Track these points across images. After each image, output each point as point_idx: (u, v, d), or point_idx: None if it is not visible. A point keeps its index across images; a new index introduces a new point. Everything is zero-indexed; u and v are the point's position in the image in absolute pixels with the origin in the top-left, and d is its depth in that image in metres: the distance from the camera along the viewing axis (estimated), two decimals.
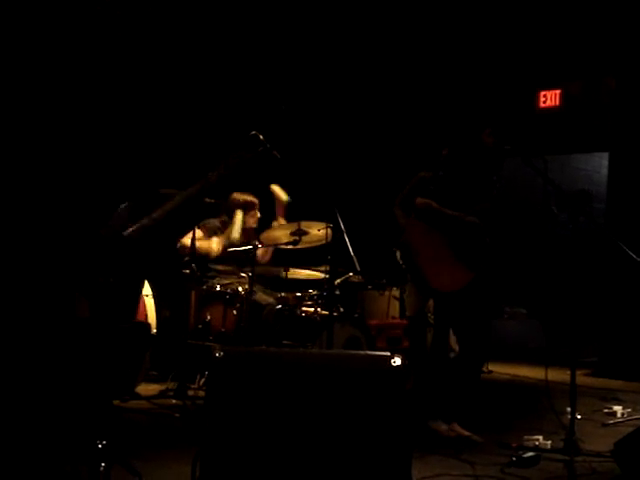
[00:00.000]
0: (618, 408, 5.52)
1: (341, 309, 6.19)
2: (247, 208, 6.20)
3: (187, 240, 5.74)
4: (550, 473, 3.95)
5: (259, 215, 6.29)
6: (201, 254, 5.83)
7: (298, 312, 6.01)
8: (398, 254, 4.78)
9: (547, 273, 9.93)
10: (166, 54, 7.09)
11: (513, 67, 9.33)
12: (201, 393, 5.37)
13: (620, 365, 7.70)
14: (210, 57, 7.64)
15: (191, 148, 7.31)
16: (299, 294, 6.15)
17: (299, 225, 5.81)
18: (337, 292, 6.11)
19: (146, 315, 5.53)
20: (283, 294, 6.05)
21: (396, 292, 7.46)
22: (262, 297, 5.92)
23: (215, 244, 6.01)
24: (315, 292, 6.14)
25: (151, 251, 4.10)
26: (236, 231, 6.03)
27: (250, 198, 6.24)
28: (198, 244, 5.68)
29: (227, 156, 4.48)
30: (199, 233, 5.82)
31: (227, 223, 6.15)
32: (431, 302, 4.97)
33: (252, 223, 6.26)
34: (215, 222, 6.17)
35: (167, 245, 6.05)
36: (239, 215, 6.09)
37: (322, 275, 5.98)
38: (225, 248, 6.01)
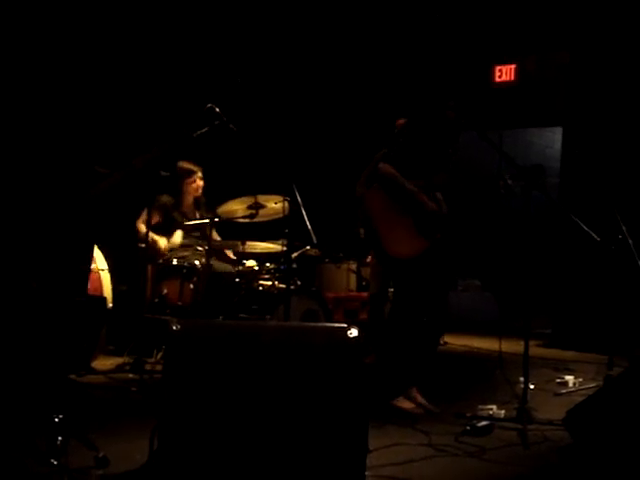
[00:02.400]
0: (570, 378, 5.63)
1: (298, 282, 6.21)
2: (188, 175, 6.24)
3: (142, 226, 5.82)
4: (503, 441, 4.02)
5: (202, 183, 6.30)
6: (151, 243, 5.87)
7: (255, 285, 6.02)
8: (362, 230, 4.80)
9: (501, 246, 10.05)
10: (117, 26, 6.99)
11: (469, 42, 9.37)
12: (158, 367, 5.37)
13: (573, 336, 7.85)
14: (164, 29, 7.55)
15: (144, 122, 7.25)
16: (257, 267, 6.15)
17: (256, 198, 5.80)
18: (294, 265, 6.12)
19: (102, 289, 5.49)
20: (240, 267, 6.05)
21: (353, 265, 7.51)
22: (220, 266, 5.95)
23: (165, 246, 6.10)
24: (272, 265, 6.15)
25: (96, 221, 4.07)
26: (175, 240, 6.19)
27: (190, 166, 6.26)
28: (151, 235, 5.75)
29: (156, 145, 4.45)
30: (154, 218, 5.86)
31: (179, 198, 6.21)
32: None
33: (194, 191, 6.29)
34: (166, 198, 6.18)
35: (120, 220, 6.04)
36: (178, 233, 6.23)
37: (279, 247, 5.97)
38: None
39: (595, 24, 8.04)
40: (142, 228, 5.85)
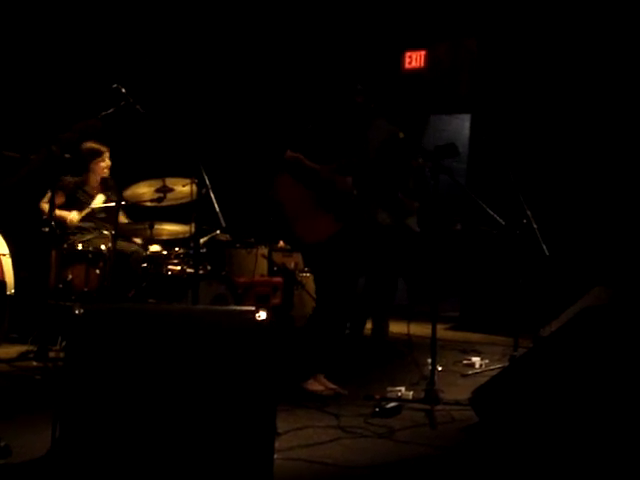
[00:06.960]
0: (476, 360, 5.75)
1: (208, 267, 6.14)
2: (97, 155, 6.15)
3: (46, 205, 5.71)
4: (412, 422, 4.07)
5: (109, 163, 6.23)
6: (58, 221, 5.81)
7: (164, 270, 5.92)
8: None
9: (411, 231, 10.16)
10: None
11: (380, 27, 9.41)
12: (63, 354, 5.23)
13: (480, 319, 8.02)
14: (69, 9, 7.35)
15: (48, 102, 7.06)
16: (165, 252, 6.06)
17: (164, 181, 5.69)
18: (204, 250, 6.05)
19: (3, 274, 5.31)
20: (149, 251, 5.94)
21: (264, 250, 7.46)
22: (126, 245, 5.85)
23: (75, 217, 6.04)
24: (182, 250, 6.06)
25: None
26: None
27: (98, 146, 6.17)
28: (58, 213, 5.70)
29: (74, 125, 4.35)
30: (58, 199, 5.74)
31: (84, 179, 6.11)
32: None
33: (102, 171, 6.21)
34: (70, 179, 6.09)
35: (24, 204, 5.88)
36: (99, 197, 6.19)
37: (188, 229, 5.87)
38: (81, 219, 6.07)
39: (502, 11, 8.20)
40: (45, 208, 5.76)
